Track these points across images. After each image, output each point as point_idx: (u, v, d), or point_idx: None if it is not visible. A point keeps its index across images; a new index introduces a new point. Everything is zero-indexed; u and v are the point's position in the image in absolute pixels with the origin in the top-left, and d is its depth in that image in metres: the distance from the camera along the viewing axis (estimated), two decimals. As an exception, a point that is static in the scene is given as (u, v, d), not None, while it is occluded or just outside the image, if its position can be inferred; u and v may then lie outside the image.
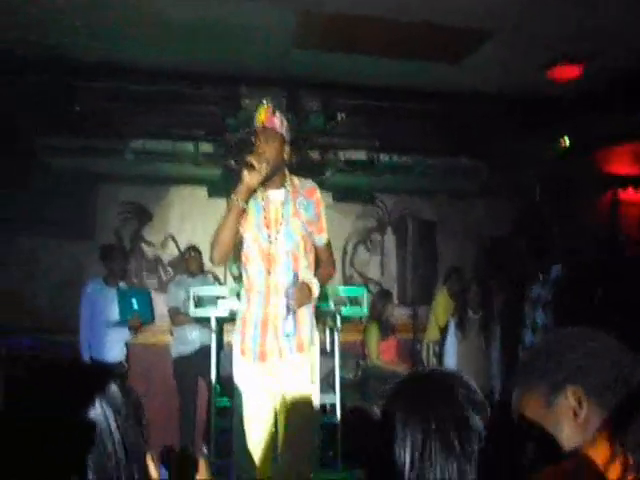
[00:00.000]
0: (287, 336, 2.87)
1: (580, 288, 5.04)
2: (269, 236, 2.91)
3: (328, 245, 3.14)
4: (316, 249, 3.08)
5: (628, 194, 6.24)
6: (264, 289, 2.90)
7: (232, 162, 5.92)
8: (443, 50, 5.08)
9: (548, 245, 5.35)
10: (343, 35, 4.78)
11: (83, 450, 0.98)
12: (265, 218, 2.93)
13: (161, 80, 5.47)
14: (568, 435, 1.16)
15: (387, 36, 4.80)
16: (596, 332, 1.23)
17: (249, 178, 2.80)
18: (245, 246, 2.95)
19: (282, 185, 2.98)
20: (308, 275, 2.97)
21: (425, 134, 6.21)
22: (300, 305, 2.86)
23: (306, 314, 2.97)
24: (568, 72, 5.44)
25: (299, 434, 2.95)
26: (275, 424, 3.00)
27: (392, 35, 4.77)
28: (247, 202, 2.87)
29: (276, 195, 2.97)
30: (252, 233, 2.92)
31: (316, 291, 2.96)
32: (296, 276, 2.87)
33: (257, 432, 2.92)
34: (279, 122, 2.93)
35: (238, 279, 5.42)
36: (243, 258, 2.98)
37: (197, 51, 5.02)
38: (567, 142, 6.15)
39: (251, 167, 2.79)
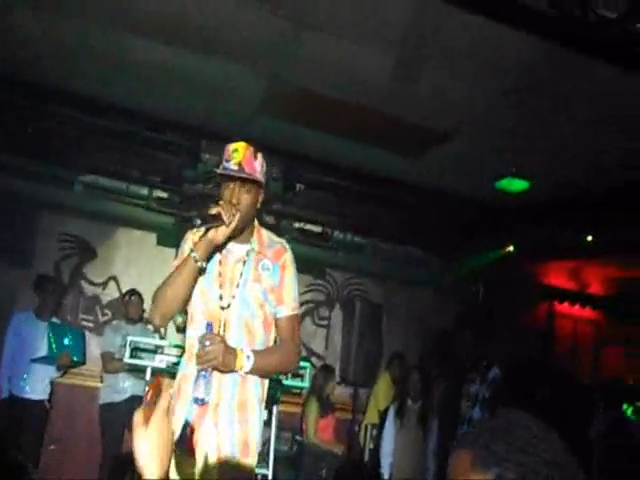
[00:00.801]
0: (196, 402, 2.22)
1: (517, 389, 5.19)
2: (221, 298, 2.34)
3: (290, 322, 2.44)
4: (275, 323, 2.44)
5: (564, 307, 6.60)
6: None
7: (188, 213, 5.84)
8: (404, 143, 5.32)
9: (488, 343, 5.53)
10: (308, 110, 4.93)
11: None
12: (220, 275, 2.37)
13: (122, 118, 5.39)
14: None
15: (351, 120, 4.99)
16: (554, 435, 1.12)
17: (214, 233, 2.24)
18: (191, 302, 2.37)
19: (248, 240, 2.41)
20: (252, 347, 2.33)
21: (380, 219, 6.40)
22: (206, 364, 2.19)
23: (256, 412, 2.32)
24: (516, 185, 5.81)
25: None
26: None
27: (356, 120, 4.97)
28: (207, 261, 2.30)
29: (238, 250, 2.41)
30: (201, 289, 2.35)
31: (245, 364, 2.25)
32: (210, 327, 2.26)
33: None
34: (260, 167, 2.38)
35: (181, 331, 5.21)
36: (188, 315, 2.43)
37: (164, 96, 5.02)
38: (512, 249, 6.50)
39: (218, 219, 2.23)
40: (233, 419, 2.27)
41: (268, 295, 2.39)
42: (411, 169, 5.84)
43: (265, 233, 2.50)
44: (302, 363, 5.60)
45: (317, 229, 6.31)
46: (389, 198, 6.26)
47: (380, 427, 5.31)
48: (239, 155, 2.33)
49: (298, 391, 5.66)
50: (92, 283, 6.05)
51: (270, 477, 4.71)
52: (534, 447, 1.09)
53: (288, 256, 2.45)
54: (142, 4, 3.78)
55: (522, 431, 1.14)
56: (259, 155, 2.39)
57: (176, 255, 2.45)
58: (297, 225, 6.35)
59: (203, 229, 2.30)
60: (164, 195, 6.02)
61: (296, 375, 5.34)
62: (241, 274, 2.38)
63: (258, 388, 2.35)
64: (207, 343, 2.20)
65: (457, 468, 1.14)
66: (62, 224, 6.06)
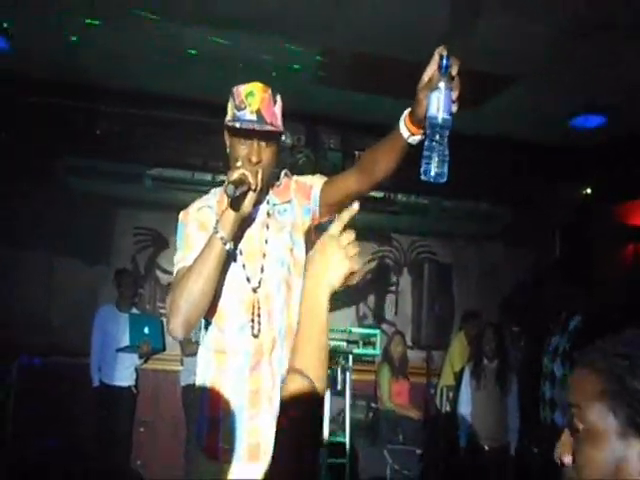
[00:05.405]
0: None
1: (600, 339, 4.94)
2: (249, 279, 1.90)
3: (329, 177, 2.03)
4: (332, 190, 1.96)
5: (650, 247, 6.16)
6: (251, 350, 1.87)
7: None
8: (462, 94, 5.08)
9: (570, 292, 5.27)
10: (365, 74, 4.81)
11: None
12: (241, 253, 1.91)
13: (182, 109, 5.51)
14: None
15: (408, 77, 4.81)
16: None
17: (247, 203, 1.78)
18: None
19: (264, 198, 1.97)
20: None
21: (444, 176, 6.21)
22: None
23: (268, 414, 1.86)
24: (590, 121, 5.46)
25: None
26: None
27: (413, 76, 4.79)
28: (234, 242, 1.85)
29: (255, 215, 1.96)
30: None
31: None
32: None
33: None
34: (280, 112, 1.90)
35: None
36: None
37: (219, 82, 5.02)
38: (589, 191, 6.13)
39: (244, 185, 1.75)
40: None
41: (294, 235, 1.98)
42: (472, 120, 5.59)
43: (275, 183, 2.05)
44: (372, 330, 5.64)
45: (379, 194, 6.21)
46: (450, 153, 6.04)
47: (456, 389, 5.24)
48: (256, 100, 1.82)
49: (370, 359, 5.71)
50: (166, 271, 6.28)
51: (347, 445, 4.79)
52: None
53: (294, 178, 2.07)
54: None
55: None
56: (278, 97, 1.89)
57: (178, 245, 1.94)
58: (359, 193, 6.28)
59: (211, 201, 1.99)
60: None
61: (367, 343, 5.39)
62: (266, 241, 1.94)
63: None
64: None
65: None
66: (135, 218, 6.33)
